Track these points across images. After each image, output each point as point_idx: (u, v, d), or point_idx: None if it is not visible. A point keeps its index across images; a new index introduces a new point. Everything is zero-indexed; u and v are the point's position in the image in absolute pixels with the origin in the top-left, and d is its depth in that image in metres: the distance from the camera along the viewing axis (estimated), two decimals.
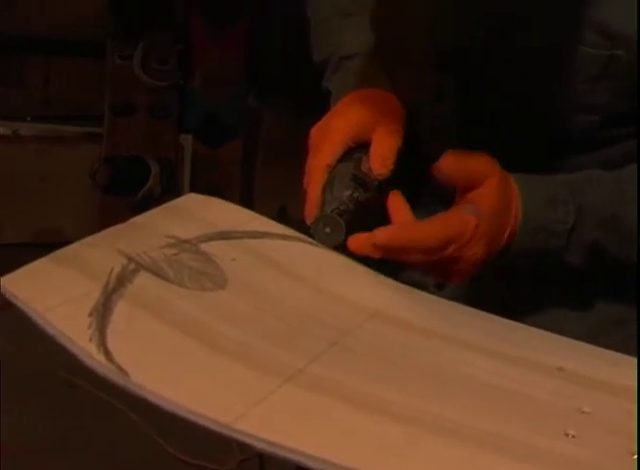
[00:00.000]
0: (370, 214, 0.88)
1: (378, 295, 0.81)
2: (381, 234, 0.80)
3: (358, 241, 0.82)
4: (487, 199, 0.83)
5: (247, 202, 3.24)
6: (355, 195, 0.86)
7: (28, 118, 2.97)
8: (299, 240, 0.87)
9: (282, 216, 3.10)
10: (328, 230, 0.84)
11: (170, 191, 3.01)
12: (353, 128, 0.91)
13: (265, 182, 3.37)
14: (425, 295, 0.83)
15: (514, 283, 0.91)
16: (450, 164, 0.83)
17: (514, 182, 0.86)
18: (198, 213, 0.89)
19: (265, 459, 1.99)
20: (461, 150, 0.84)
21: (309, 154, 0.92)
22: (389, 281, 0.84)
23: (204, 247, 0.83)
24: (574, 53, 0.83)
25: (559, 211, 0.86)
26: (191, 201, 0.93)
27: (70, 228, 3.01)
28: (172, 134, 3.05)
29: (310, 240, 0.86)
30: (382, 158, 0.90)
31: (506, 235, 0.85)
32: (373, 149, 0.90)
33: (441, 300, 0.83)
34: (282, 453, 0.59)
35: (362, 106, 0.93)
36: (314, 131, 0.93)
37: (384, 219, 0.88)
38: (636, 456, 0.60)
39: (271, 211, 3.04)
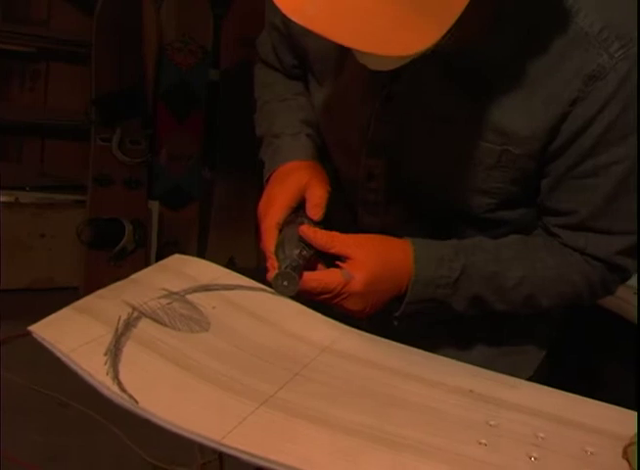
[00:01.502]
0: (313, 267, 0.88)
1: (326, 334, 0.82)
2: None
3: None
4: (360, 269, 0.83)
5: (201, 253, 3.21)
6: (303, 253, 0.86)
7: (27, 188, 2.93)
8: (263, 290, 0.87)
9: (231, 265, 3.09)
10: (285, 283, 0.83)
11: (141, 245, 2.98)
12: (291, 192, 0.91)
13: (217, 237, 3.36)
14: (365, 334, 0.83)
15: (415, 324, 0.91)
16: (323, 242, 0.85)
17: (407, 248, 0.86)
18: (183, 271, 0.88)
19: (224, 462, 1.97)
20: (335, 232, 0.86)
21: (260, 222, 0.90)
22: (336, 323, 0.84)
23: (190, 297, 0.83)
24: (475, 147, 0.84)
25: (445, 268, 0.86)
26: (177, 260, 0.92)
27: (60, 276, 2.96)
28: (143, 200, 3.03)
29: (271, 290, 0.86)
30: (314, 205, 0.90)
31: (392, 290, 0.85)
32: (307, 200, 0.91)
33: (377, 337, 0.83)
34: (261, 463, 0.60)
35: (293, 173, 0.93)
36: (260, 205, 0.92)
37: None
38: (636, 455, 0.61)
39: (222, 262, 3.02)
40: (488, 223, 0.90)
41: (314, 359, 0.76)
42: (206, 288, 0.85)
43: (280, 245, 0.87)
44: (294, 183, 0.91)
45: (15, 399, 2.19)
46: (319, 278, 0.83)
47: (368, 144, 0.91)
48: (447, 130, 0.84)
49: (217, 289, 0.86)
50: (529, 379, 0.94)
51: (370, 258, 0.83)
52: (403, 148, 0.89)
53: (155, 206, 3.07)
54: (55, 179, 3.02)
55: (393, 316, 0.87)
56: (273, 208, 0.89)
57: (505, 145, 0.82)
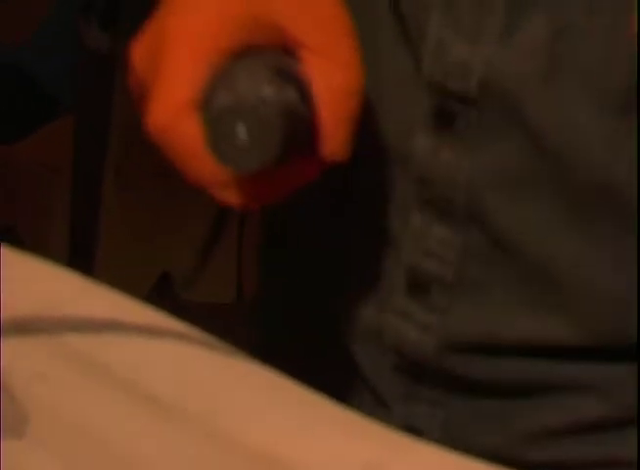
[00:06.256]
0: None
1: (358, 454, 0.58)
2: None
3: None
4: None
5: (82, 260, 2.66)
6: (285, 96, 0.61)
7: None
8: (180, 336, 0.63)
9: (164, 288, 2.40)
10: (243, 134, 0.57)
11: None
12: (227, 32, 0.64)
13: (125, 210, 2.64)
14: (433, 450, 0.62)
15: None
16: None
17: None
18: None
19: None
20: None
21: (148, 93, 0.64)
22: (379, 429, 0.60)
23: None
24: None
25: None
26: None
27: None
28: None
29: (202, 337, 0.62)
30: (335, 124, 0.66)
31: None
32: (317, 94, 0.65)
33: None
34: None
35: None
36: (138, 50, 0.65)
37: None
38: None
39: (144, 281, 2.37)
40: None
41: None
42: (29, 326, 0.63)
43: (221, 80, 0.63)
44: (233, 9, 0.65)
45: None
46: None
47: None
48: None
49: (56, 329, 0.63)
50: None
51: None
52: None
53: None
54: None
55: None
56: (179, 63, 0.64)
57: None
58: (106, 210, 2.40)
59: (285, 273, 0.90)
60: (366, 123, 0.74)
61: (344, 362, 0.85)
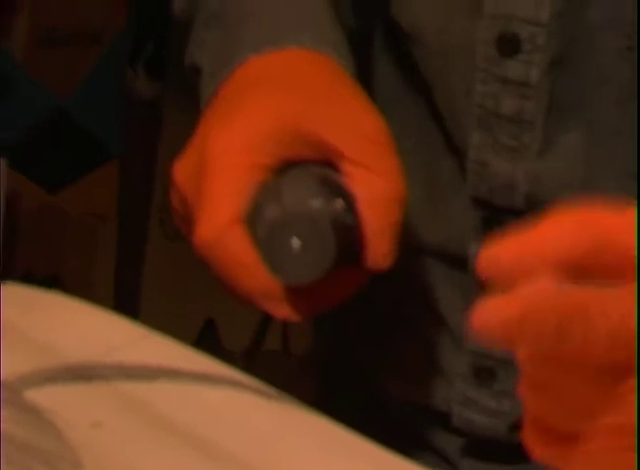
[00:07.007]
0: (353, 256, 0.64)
1: None
2: None
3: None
4: None
5: (130, 305, 2.67)
6: (333, 207, 0.63)
7: None
8: (235, 384, 0.61)
9: (209, 337, 2.41)
10: (297, 245, 0.59)
11: None
12: (267, 148, 0.65)
13: (166, 261, 2.67)
14: None
15: None
16: None
17: None
18: (23, 327, 0.63)
19: None
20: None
21: (192, 225, 0.66)
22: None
23: (34, 396, 0.57)
24: None
25: None
26: (14, 300, 0.66)
27: None
28: None
29: (257, 385, 0.59)
30: (378, 237, 0.65)
31: None
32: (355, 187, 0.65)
33: None
34: None
35: (278, 88, 0.68)
36: (180, 171, 0.66)
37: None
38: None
39: (189, 329, 2.37)
40: None
41: None
42: (82, 373, 0.60)
43: (266, 195, 0.65)
44: (273, 114, 0.66)
45: None
46: None
47: None
48: None
49: (109, 376, 0.61)
50: None
51: None
52: None
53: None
54: None
55: None
56: (217, 191, 0.65)
57: None
58: (150, 258, 2.40)
59: (334, 337, 0.88)
60: (423, 227, 0.78)
61: (401, 426, 0.83)
